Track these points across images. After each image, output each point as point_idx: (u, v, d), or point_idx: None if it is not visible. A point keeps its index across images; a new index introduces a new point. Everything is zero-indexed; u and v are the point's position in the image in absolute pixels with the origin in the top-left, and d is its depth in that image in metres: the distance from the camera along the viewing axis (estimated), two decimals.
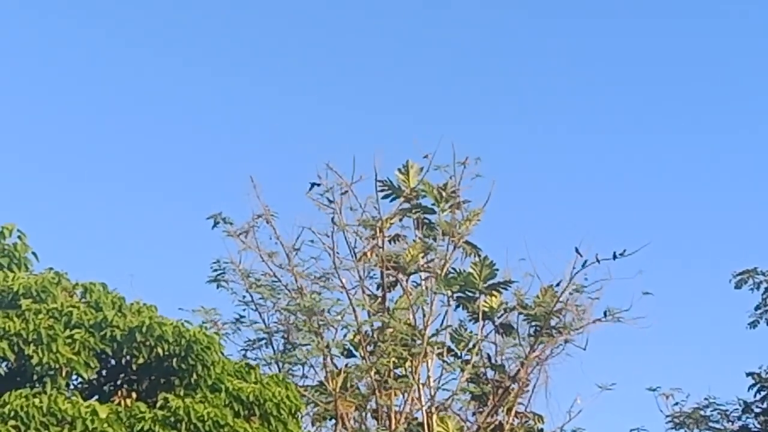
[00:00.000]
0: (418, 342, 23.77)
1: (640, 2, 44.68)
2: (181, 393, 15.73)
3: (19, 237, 16.66)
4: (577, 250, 23.79)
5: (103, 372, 16.28)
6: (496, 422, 24.29)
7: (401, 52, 43.80)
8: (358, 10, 43.69)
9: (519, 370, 24.41)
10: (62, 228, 37.57)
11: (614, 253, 23.54)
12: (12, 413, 14.55)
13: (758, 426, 29.58)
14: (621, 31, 44.96)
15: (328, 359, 23.68)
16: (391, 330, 23.45)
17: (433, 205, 25.28)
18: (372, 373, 23.38)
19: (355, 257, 24.66)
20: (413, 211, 25.22)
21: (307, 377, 24.11)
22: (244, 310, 24.43)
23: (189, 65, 43.89)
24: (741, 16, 44.09)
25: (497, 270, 24.80)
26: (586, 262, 23.86)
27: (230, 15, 43.85)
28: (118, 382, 16.30)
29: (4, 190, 33.88)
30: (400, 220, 25.39)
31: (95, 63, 42.81)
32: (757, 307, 29.93)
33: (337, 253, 24.39)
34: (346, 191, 24.44)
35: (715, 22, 44.71)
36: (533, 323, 24.72)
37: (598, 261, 23.72)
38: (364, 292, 24.58)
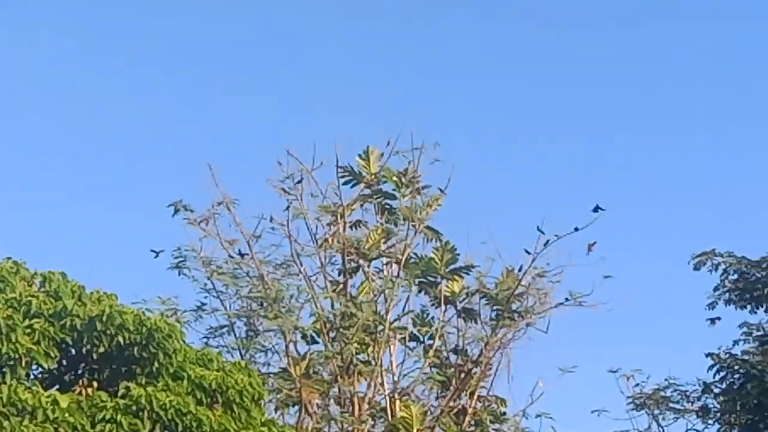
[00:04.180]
0: (381, 328, 23.79)
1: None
2: (143, 381, 15.68)
3: None
4: (539, 229, 24.01)
5: (64, 362, 16.18)
6: (459, 406, 24.33)
7: (366, 35, 43.66)
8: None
9: (481, 353, 24.47)
10: (20, 216, 37.35)
11: (575, 227, 23.92)
12: None
13: (718, 406, 29.81)
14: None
15: (291, 346, 23.68)
16: (355, 318, 23.43)
17: (393, 190, 25.28)
18: (336, 360, 23.38)
19: (317, 243, 24.66)
20: (374, 196, 25.22)
21: (270, 364, 24.12)
22: (205, 297, 24.40)
23: (157, 56, 43.58)
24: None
25: (459, 255, 24.83)
26: (548, 241, 24.04)
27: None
28: (79, 372, 16.22)
29: None
30: (362, 205, 25.37)
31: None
32: (716, 288, 30.17)
33: (298, 240, 24.43)
34: (304, 178, 24.45)
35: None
36: (495, 307, 24.79)
37: (558, 237, 23.89)
38: (325, 278, 24.59)
